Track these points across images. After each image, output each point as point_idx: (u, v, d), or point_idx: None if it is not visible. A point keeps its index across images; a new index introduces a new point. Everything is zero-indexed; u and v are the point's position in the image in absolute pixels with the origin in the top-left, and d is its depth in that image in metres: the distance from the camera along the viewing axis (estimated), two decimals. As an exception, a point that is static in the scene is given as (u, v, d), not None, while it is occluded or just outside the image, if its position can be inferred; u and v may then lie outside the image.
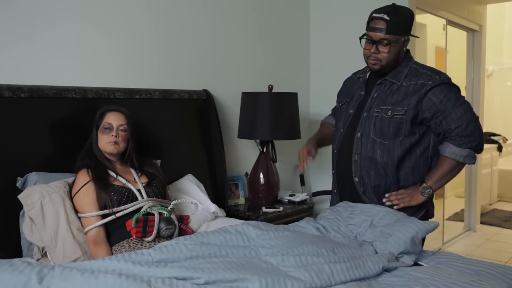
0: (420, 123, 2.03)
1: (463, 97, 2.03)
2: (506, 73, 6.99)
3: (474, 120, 1.98)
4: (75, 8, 2.33)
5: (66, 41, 2.30)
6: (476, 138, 1.98)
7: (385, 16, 1.95)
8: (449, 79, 2.03)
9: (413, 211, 2.08)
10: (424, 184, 2.05)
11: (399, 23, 1.97)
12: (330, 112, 2.57)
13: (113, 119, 2.06)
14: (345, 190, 2.21)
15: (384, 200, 2.09)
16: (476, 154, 2.02)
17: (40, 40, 2.21)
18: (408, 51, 2.12)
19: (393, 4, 2.03)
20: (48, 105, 2.13)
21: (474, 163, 2.04)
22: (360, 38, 2.07)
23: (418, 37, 2.13)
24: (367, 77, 2.19)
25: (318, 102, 3.66)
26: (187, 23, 2.85)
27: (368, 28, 2.02)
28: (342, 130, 2.20)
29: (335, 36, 3.52)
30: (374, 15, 2.00)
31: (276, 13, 3.44)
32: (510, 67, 6.97)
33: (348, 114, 2.19)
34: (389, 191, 2.09)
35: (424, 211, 2.13)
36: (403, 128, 2.02)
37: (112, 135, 2.03)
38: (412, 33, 2.07)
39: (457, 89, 2.04)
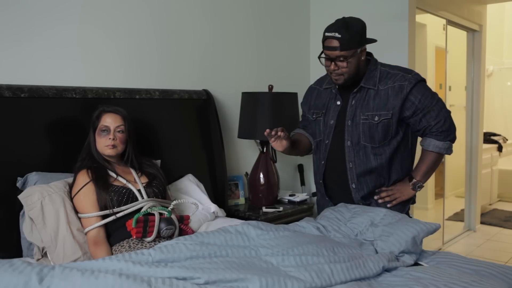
0: (401, 120, 2.13)
1: (436, 93, 2.16)
2: (506, 73, 6.99)
3: (449, 116, 2.14)
4: (75, 8, 2.33)
5: (66, 41, 2.30)
6: (452, 131, 2.16)
7: (337, 34, 2.01)
8: (419, 75, 2.15)
9: (403, 203, 2.20)
10: (414, 180, 2.17)
11: (351, 38, 2.01)
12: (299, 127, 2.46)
13: (110, 121, 2.04)
14: (338, 197, 2.23)
15: (375, 197, 2.18)
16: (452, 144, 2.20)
17: (40, 40, 2.21)
18: (371, 54, 2.19)
19: (343, 18, 2.07)
20: (48, 105, 2.13)
21: (452, 153, 2.20)
22: (319, 57, 2.12)
23: (376, 40, 2.13)
24: (337, 86, 2.20)
25: (318, 102, 3.65)
26: (187, 23, 2.85)
27: (324, 47, 2.08)
28: (327, 141, 2.22)
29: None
30: (326, 34, 2.05)
31: (276, 13, 3.44)
32: (510, 67, 6.97)
33: (329, 125, 2.22)
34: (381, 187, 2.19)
35: (411, 201, 2.27)
36: (390, 130, 2.12)
37: (110, 138, 2.02)
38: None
39: (427, 84, 2.18)
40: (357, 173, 2.15)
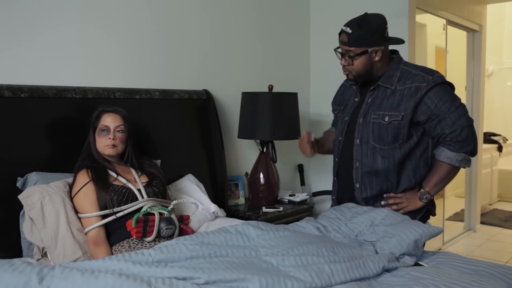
0: (416, 124, 2.03)
1: (458, 99, 2.02)
2: (506, 73, 6.98)
3: (468, 125, 1.98)
4: (75, 8, 2.33)
5: (66, 41, 2.30)
6: (470, 143, 1.99)
7: (348, 29, 1.98)
8: (442, 77, 2.02)
9: (411, 213, 2.07)
10: (422, 190, 2.06)
11: (362, 35, 1.96)
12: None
13: (110, 121, 2.04)
14: (344, 196, 2.21)
15: (382, 202, 2.10)
16: (471, 158, 2.04)
17: (40, 40, 2.21)
18: (395, 53, 2.12)
19: (364, 14, 2.03)
20: (48, 105, 2.13)
21: (469, 166, 2.06)
22: (335, 50, 2.08)
23: (402, 42, 2.05)
24: (359, 84, 2.18)
25: (318, 102, 3.66)
26: (187, 23, 2.85)
27: (339, 40, 2.05)
28: (340, 138, 2.20)
29: (335, 36, 3.47)
30: (342, 28, 2.02)
31: (276, 13, 3.44)
32: (510, 67, 6.97)
33: (344, 121, 2.19)
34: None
35: (425, 210, 2.13)
36: (401, 133, 2.03)
37: (110, 138, 2.02)
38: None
39: (452, 88, 2.04)
40: (362, 173, 2.09)
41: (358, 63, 2.02)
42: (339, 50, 2.06)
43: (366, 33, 1.97)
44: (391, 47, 2.14)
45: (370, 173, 2.09)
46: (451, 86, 2.04)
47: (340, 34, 2.03)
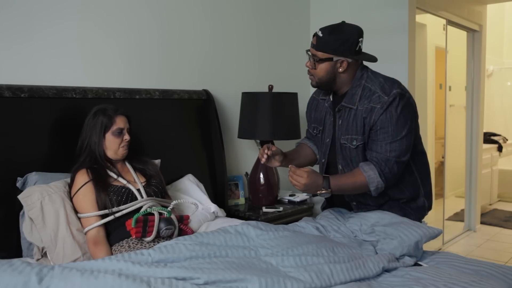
0: None
1: (406, 127, 1.91)
2: (506, 73, 6.99)
3: (395, 162, 1.91)
4: (75, 8, 2.33)
5: (66, 40, 2.30)
6: (394, 177, 1.94)
7: (319, 33, 1.94)
8: (397, 95, 1.90)
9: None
10: (329, 189, 1.89)
11: (329, 42, 1.91)
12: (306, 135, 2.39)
13: (122, 122, 2.05)
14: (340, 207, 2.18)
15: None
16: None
17: (40, 39, 2.21)
18: (361, 68, 2.02)
19: (341, 22, 1.98)
20: (48, 105, 2.13)
21: (375, 195, 1.97)
22: (307, 51, 2.03)
23: (376, 60, 1.93)
24: (331, 99, 2.10)
25: (318, 102, 3.66)
26: (187, 23, 2.85)
27: (311, 42, 2.01)
28: (323, 160, 2.14)
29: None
30: (316, 30, 1.98)
31: (276, 13, 3.44)
32: (510, 67, 6.97)
33: (326, 143, 2.12)
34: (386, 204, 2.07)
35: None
36: None
37: (126, 139, 2.04)
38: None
39: (403, 107, 1.91)
40: (354, 195, 2.06)
41: (321, 69, 1.96)
42: (309, 52, 2.01)
43: (335, 40, 1.91)
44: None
45: (361, 195, 2.03)
46: (408, 103, 1.93)
47: (313, 35, 1.99)
